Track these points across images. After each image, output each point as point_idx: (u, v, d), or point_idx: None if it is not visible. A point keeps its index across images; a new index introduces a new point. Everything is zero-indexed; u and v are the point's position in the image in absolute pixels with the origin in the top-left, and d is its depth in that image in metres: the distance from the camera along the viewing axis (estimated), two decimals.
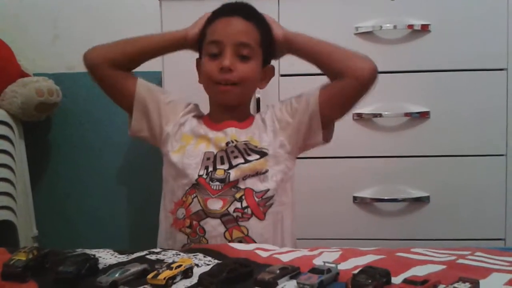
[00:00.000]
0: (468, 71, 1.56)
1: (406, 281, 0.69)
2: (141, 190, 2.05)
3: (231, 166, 1.14)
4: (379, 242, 1.54)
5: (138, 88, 1.23)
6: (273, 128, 1.20)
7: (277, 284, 0.72)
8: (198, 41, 1.23)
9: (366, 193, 1.59)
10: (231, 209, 1.11)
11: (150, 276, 0.75)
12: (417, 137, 1.58)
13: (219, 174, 1.14)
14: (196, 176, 1.14)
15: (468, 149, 1.56)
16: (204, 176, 1.14)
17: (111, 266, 0.86)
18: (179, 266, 0.77)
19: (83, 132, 2.07)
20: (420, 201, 1.57)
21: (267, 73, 1.25)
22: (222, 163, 1.15)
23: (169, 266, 0.76)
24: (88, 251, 0.95)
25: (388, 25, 1.56)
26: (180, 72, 1.60)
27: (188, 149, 1.19)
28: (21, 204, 1.83)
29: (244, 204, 1.12)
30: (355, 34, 1.57)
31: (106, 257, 0.92)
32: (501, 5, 1.52)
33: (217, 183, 1.13)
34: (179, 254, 0.92)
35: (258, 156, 1.16)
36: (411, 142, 1.59)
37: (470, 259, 0.82)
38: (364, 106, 1.57)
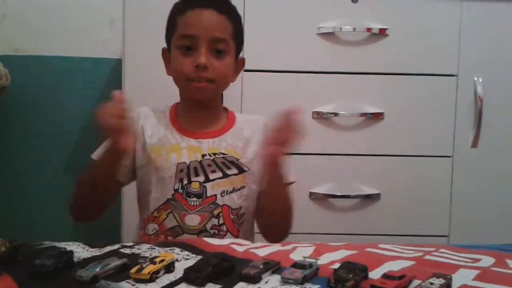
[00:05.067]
0: (421, 76, 1.64)
1: (385, 276, 0.72)
2: None
3: (207, 180, 1.11)
4: (333, 236, 1.60)
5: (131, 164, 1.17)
6: (256, 149, 1.17)
7: (261, 279, 0.74)
8: (167, 30, 1.19)
9: (321, 189, 1.64)
10: (208, 226, 1.10)
11: (133, 270, 0.74)
12: (371, 137, 1.65)
13: (195, 187, 1.11)
14: (172, 191, 1.10)
15: (418, 150, 1.65)
16: (180, 191, 1.10)
17: (86, 260, 0.84)
18: (162, 260, 0.77)
19: (32, 118, 1.99)
20: (371, 198, 1.64)
21: (238, 65, 1.22)
22: (197, 174, 1.11)
23: (152, 261, 0.76)
24: (57, 244, 0.93)
25: (348, 27, 1.61)
26: (142, 60, 1.58)
27: (159, 162, 1.13)
28: None
29: (221, 221, 1.11)
30: (317, 34, 1.61)
31: (78, 250, 0.90)
32: (455, 14, 1.61)
33: (194, 198, 1.10)
34: (154, 248, 0.91)
35: (236, 171, 1.14)
36: (365, 142, 1.65)
37: (436, 255, 0.87)
38: (323, 105, 1.62)
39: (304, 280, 0.73)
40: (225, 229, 1.12)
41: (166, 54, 1.20)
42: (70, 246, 0.92)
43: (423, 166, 1.64)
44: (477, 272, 0.78)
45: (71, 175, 2.00)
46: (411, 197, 1.65)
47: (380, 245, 0.94)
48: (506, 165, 1.64)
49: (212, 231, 1.11)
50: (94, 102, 2.00)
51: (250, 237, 1.19)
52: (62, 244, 0.93)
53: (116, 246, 0.93)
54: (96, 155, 1.15)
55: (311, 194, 1.63)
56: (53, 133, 2.00)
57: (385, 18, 1.62)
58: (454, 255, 0.88)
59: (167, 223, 1.10)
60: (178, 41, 1.14)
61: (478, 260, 0.85)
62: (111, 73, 1.99)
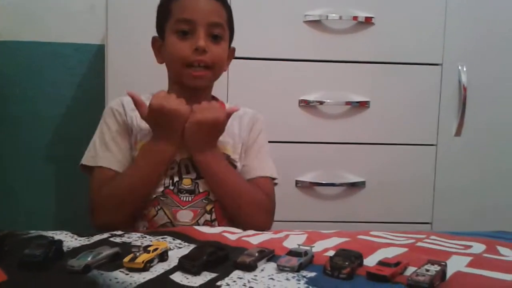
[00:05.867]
0: (406, 64, 1.64)
1: (380, 263, 0.73)
2: (70, 167, 1.96)
3: (199, 176, 1.09)
4: (320, 224, 1.61)
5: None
6: (244, 146, 1.18)
7: (256, 267, 0.74)
8: (158, 17, 1.17)
9: (307, 177, 1.64)
10: (201, 221, 1.08)
11: (126, 259, 0.73)
12: (356, 125, 1.65)
13: (186, 184, 1.09)
14: (162, 188, 1.08)
15: (402, 138, 1.66)
16: (171, 187, 1.08)
17: (76, 249, 0.83)
18: (155, 249, 0.75)
19: (11, 104, 1.93)
20: (357, 186, 1.65)
21: (229, 55, 1.21)
22: (188, 172, 1.09)
23: (145, 249, 0.75)
24: (44, 233, 0.91)
25: (334, 15, 1.61)
26: (126, 47, 1.55)
27: None
28: None
29: (213, 216, 1.10)
30: (304, 21, 1.60)
31: (66, 239, 0.88)
32: (440, 3, 1.62)
33: (187, 194, 1.08)
34: (145, 237, 0.90)
35: None
36: (350, 130, 1.65)
37: (427, 242, 0.88)
38: (309, 93, 1.62)
39: (300, 267, 0.73)
40: (216, 224, 1.10)
41: (157, 42, 1.18)
42: (57, 235, 0.91)
43: (407, 154, 1.66)
44: (469, 258, 0.79)
45: (51, 162, 1.97)
46: (395, 185, 1.66)
47: (372, 232, 0.95)
48: (489, 153, 1.67)
49: None
50: (74, 88, 1.96)
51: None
52: (49, 233, 0.91)
53: (105, 235, 0.91)
54: (83, 161, 1.12)
55: (297, 182, 1.63)
56: (33, 120, 1.95)
57: (371, 6, 1.62)
58: (445, 241, 0.89)
59: (157, 219, 1.07)
60: (174, 25, 1.11)
61: (469, 247, 0.86)
62: (92, 59, 1.95)
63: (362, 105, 1.64)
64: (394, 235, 0.93)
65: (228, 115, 1.07)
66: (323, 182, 1.64)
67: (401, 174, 1.66)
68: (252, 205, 1.09)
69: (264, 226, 1.08)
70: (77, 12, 1.92)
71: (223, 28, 1.13)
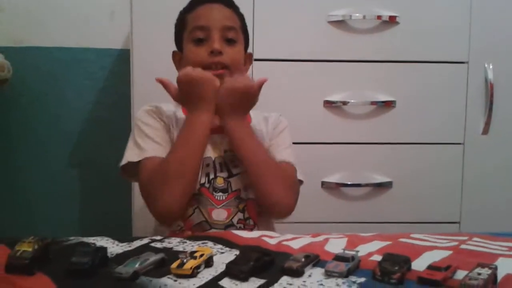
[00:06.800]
0: (431, 63, 1.63)
1: (430, 267, 0.72)
2: (94, 174, 1.97)
3: (231, 175, 1.12)
4: (345, 225, 1.60)
5: None
6: (269, 144, 1.20)
7: (304, 272, 0.73)
8: (176, 31, 1.22)
9: (333, 178, 1.63)
10: (235, 220, 1.10)
11: (174, 265, 0.73)
12: (382, 125, 1.64)
13: (219, 182, 1.11)
14: (198, 186, 1.09)
15: (429, 137, 1.64)
16: (206, 185, 1.10)
17: (119, 255, 0.83)
18: (202, 255, 0.75)
19: (33, 110, 1.94)
20: (383, 186, 1.64)
21: (246, 60, 1.25)
22: (221, 170, 1.12)
23: (192, 255, 0.75)
24: (85, 239, 0.92)
25: (357, 14, 1.60)
26: (151, 52, 1.55)
27: None
28: None
29: (246, 215, 1.11)
30: (328, 22, 1.59)
31: (108, 245, 0.88)
32: (465, 1, 1.60)
33: (220, 193, 1.10)
34: (185, 242, 0.90)
35: None
36: (375, 130, 1.64)
37: (471, 244, 0.87)
38: (334, 94, 1.61)
39: (349, 273, 0.73)
40: (251, 222, 1.11)
41: (177, 55, 1.23)
42: (98, 241, 0.91)
43: (434, 154, 1.64)
44: None
45: (72, 168, 1.98)
46: (422, 185, 1.64)
47: (412, 235, 0.94)
48: None
49: (238, 225, 1.10)
50: (95, 93, 1.97)
51: (270, 227, 1.18)
52: (90, 240, 0.91)
53: (145, 241, 0.91)
54: (127, 159, 1.13)
55: (323, 183, 1.62)
56: (55, 126, 1.96)
57: (395, 5, 1.61)
58: (489, 243, 0.88)
59: (193, 218, 1.09)
60: (190, 35, 1.16)
61: None
62: (113, 64, 1.95)
63: (388, 105, 1.62)
64: (436, 237, 0.92)
65: (260, 85, 1.09)
66: (349, 182, 1.63)
67: (428, 174, 1.64)
68: (278, 176, 1.10)
69: (287, 202, 1.10)
70: (96, 18, 1.93)
71: (236, 32, 1.17)
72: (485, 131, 1.63)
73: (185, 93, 1.08)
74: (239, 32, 1.19)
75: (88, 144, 1.97)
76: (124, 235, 1.06)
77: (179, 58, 1.22)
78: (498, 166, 1.65)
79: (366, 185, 1.63)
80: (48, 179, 1.97)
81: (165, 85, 1.10)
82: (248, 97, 1.10)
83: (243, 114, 1.11)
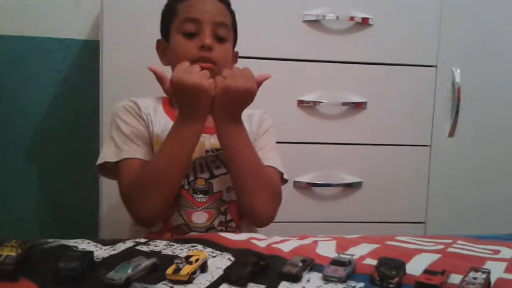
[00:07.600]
0: (401, 66, 1.66)
1: (427, 271, 0.73)
2: (58, 169, 1.89)
3: (213, 176, 1.08)
4: (317, 224, 1.61)
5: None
6: (254, 142, 1.16)
7: (302, 277, 0.72)
8: (164, 19, 1.17)
9: (304, 178, 1.63)
10: (215, 223, 1.07)
11: (169, 271, 0.70)
12: (352, 126, 1.65)
13: (200, 184, 1.07)
14: None
15: (398, 139, 1.67)
16: (186, 187, 1.06)
17: (106, 260, 0.79)
18: (197, 260, 0.73)
19: None
20: (353, 186, 1.66)
21: (233, 58, 1.22)
22: (202, 171, 1.08)
23: (188, 260, 0.72)
24: (66, 242, 0.87)
25: (331, 15, 1.60)
26: (122, 43, 1.50)
27: None
28: None
29: (228, 217, 1.09)
30: (303, 21, 1.59)
31: (91, 248, 0.84)
32: (435, 6, 1.64)
33: (201, 195, 1.07)
34: (172, 245, 0.87)
35: None
36: (347, 131, 1.65)
37: (457, 248, 0.89)
38: (307, 94, 1.61)
39: (347, 278, 0.72)
40: (233, 225, 1.09)
41: (161, 44, 1.18)
42: (80, 244, 0.87)
43: (402, 155, 1.67)
44: (505, 264, 0.80)
45: (34, 162, 1.88)
46: (391, 186, 1.67)
47: (398, 237, 0.95)
48: (482, 154, 1.70)
49: (219, 228, 1.08)
50: (57, 84, 1.88)
51: (252, 229, 1.16)
52: (71, 242, 0.87)
53: (129, 244, 0.88)
54: (105, 158, 1.07)
55: (294, 183, 1.62)
56: (16, 118, 1.86)
57: (369, 7, 1.62)
58: (474, 246, 0.90)
59: (173, 220, 1.06)
60: (180, 25, 1.11)
61: (498, 251, 0.88)
62: (78, 55, 1.88)
63: (359, 106, 1.64)
64: (421, 240, 0.94)
65: (259, 84, 1.04)
66: (320, 182, 1.64)
67: (396, 175, 1.67)
68: (263, 187, 1.05)
69: (269, 212, 1.07)
70: (60, 7, 1.84)
71: (228, 29, 1.14)
72: (451, 133, 1.68)
73: (177, 97, 1.01)
74: (230, 30, 1.15)
75: (50, 136, 1.89)
76: (91, 234, 1.02)
77: (164, 48, 1.16)
78: (463, 168, 1.70)
79: (337, 185, 1.65)
80: (7, 172, 1.87)
81: (159, 77, 1.03)
82: (246, 99, 1.02)
83: (237, 116, 1.04)
